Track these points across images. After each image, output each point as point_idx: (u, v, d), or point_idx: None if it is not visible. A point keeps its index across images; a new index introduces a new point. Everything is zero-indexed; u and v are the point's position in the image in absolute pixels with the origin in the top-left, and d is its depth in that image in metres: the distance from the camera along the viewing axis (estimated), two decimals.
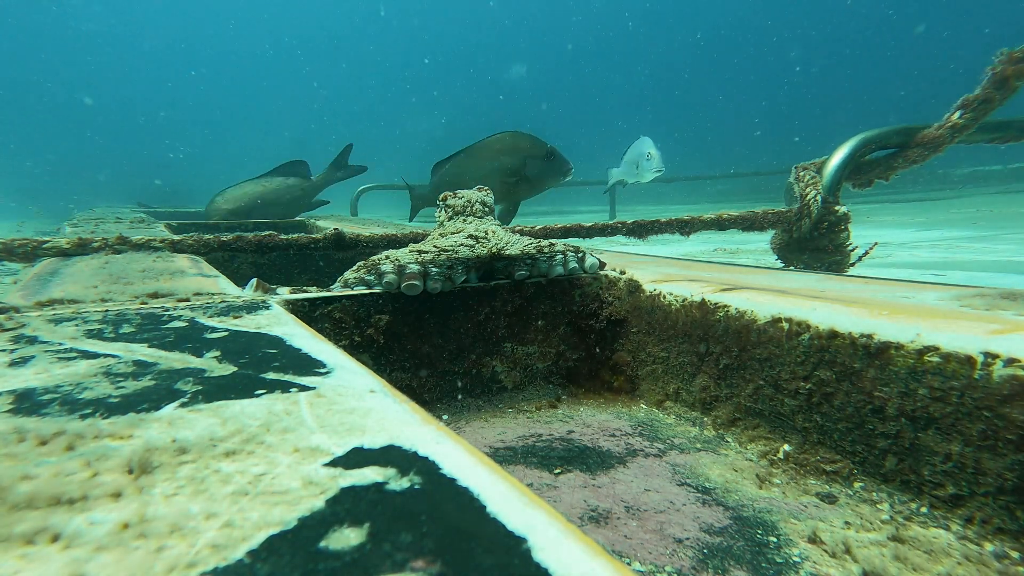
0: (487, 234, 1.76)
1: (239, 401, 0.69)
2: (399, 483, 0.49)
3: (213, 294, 1.45)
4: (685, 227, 3.17)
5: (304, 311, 1.48)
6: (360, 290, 1.60)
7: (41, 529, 0.43)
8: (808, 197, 3.22)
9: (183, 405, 0.68)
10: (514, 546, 0.41)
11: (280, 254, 2.77)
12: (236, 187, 5.93)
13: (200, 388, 0.74)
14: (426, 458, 0.54)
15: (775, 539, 1.01)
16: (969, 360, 0.98)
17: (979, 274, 4.30)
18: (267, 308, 1.27)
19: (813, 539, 0.99)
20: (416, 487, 0.49)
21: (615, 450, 1.39)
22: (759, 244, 6.21)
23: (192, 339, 0.99)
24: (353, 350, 1.55)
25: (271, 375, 0.79)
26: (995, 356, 0.95)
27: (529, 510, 0.45)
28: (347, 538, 0.42)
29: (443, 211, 1.94)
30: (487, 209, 1.93)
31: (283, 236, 2.73)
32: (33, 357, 0.88)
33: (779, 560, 0.96)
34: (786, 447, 1.28)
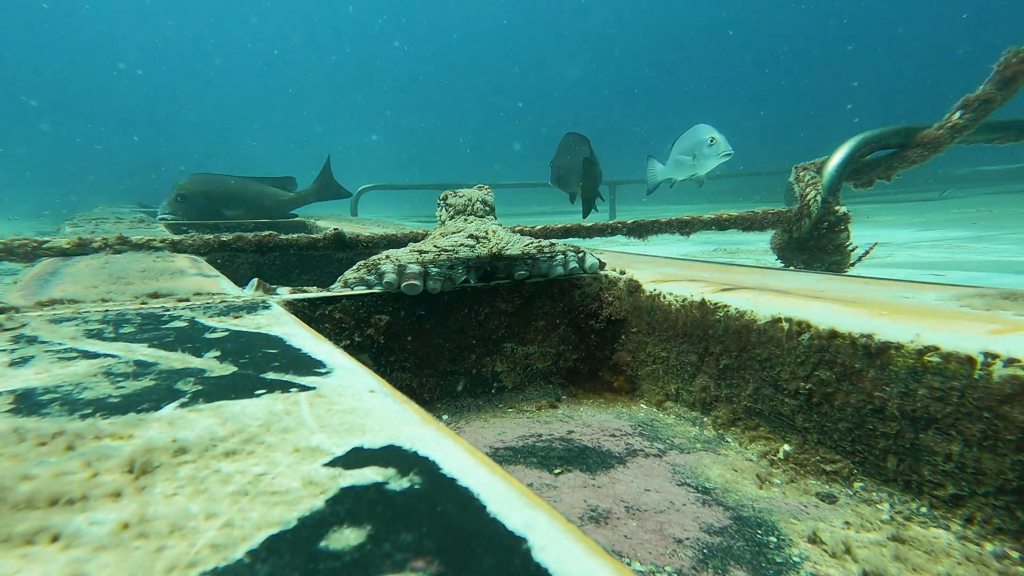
0: (487, 234, 1.76)
1: (239, 401, 0.69)
2: (399, 483, 0.49)
3: (213, 294, 1.45)
4: (685, 227, 3.17)
5: (304, 311, 1.48)
6: (360, 290, 1.60)
7: (41, 529, 0.43)
8: (808, 197, 3.22)
9: (183, 405, 0.68)
10: (514, 546, 0.41)
11: (280, 254, 2.77)
12: (214, 175, 5.71)
13: (200, 388, 0.74)
14: (426, 458, 0.54)
15: (775, 539, 1.01)
16: (969, 360, 0.98)
17: (979, 274, 4.30)
18: (267, 308, 1.27)
19: (813, 539, 0.99)
20: (416, 487, 0.49)
21: (615, 450, 1.39)
22: (759, 244, 6.21)
23: (192, 339, 0.99)
24: (353, 350, 1.55)
25: (271, 375, 0.79)
26: (995, 356, 0.95)
27: (529, 510, 0.45)
28: (347, 538, 0.42)
29: (444, 210, 1.93)
30: (488, 208, 1.93)
31: (283, 236, 2.73)
32: (33, 357, 0.88)
33: (779, 560, 0.95)
34: (786, 447, 1.28)
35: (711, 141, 3.96)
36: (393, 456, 0.54)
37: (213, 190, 5.50)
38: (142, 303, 1.34)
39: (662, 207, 16.92)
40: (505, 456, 1.37)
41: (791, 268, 3.37)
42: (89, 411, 0.66)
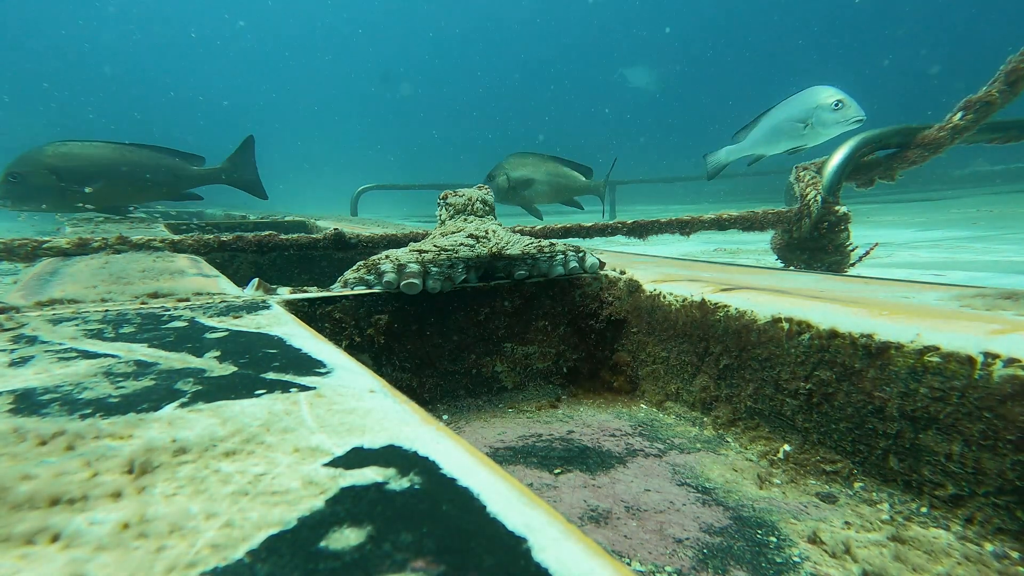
0: (487, 233, 1.76)
1: (239, 401, 0.69)
2: (399, 483, 0.49)
3: (213, 294, 1.45)
4: (685, 227, 3.17)
5: (304, 311, 1.48)
6: (360, 290, 1.60)
7: (41, 529, 0.43)
8: (808, 197, 3.22)
9: (183, 405, 0.68)
10: (514, 546, 0.41)
11: (280, 254, 2.77)
12: (78, 143, 4.47)
13: (200, 388, 0.74)
14: (426, 458, 0.54)
15: (775, 539, 1.01)
16: (969, 360, 0.98)
17: (979, 274, 4.30)
18: (267, 308, 1.27)
19: (813, 539, 0.99)
20: (416, 487, 0.49)
21: (615, 450, 1.39)
22: (759, 244, 6.21)
23: (192, 339, 0.99)
24: (353, 350, 1.55)
25: (271, 375, 0.79)
26: (995, 356, 0.95)
27: (529, 510, 0.45)
28: (347, 538, 0.42)
29: (444, 210, 1.93)
30: (487, 208, 1.93)
31: (283, 236, 2.73)
32: (33, 357, 0.88)
33: (779, 560, 0.95)
34: (786, 447, 1.28)
35: (836, 104, 3.38)
36: (393, 456, 0.54)
37: (65, 165, 4.36)
38: (142, 303, 1.34)
39: (662, 207, 16.92)
40: (505, 456, 1.37)
41: (791, 268, 3.37)
42: (89, 411, 0.66)
